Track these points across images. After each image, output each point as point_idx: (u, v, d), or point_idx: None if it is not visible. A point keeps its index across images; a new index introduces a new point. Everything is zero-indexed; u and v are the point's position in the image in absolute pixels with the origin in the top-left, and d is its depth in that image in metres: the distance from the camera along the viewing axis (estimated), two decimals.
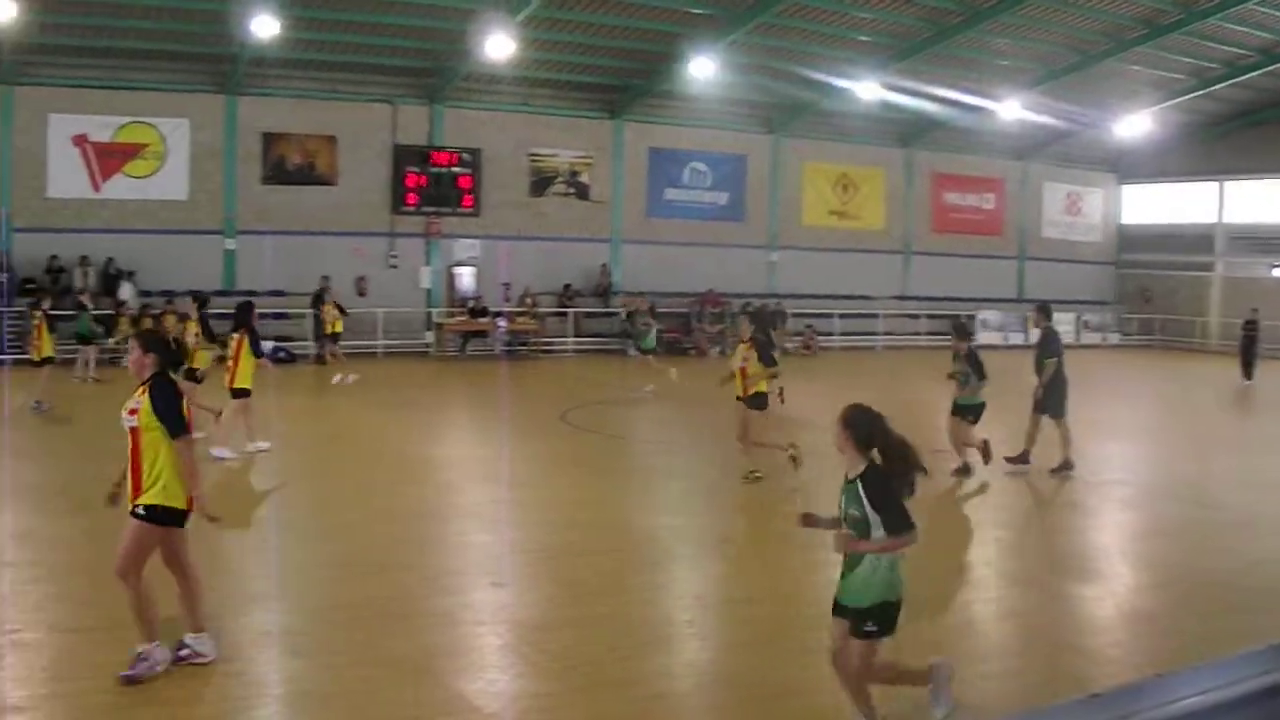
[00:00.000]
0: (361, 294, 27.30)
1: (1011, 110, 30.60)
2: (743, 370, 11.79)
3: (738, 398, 11.90)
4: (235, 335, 13.50)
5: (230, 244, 26.99)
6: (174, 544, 6.24)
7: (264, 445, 13.23)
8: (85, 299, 22.49)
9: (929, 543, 5.83)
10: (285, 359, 25.67)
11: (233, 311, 14.38)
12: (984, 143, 34.98)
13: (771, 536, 10.07)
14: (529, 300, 28.28)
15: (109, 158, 26.49)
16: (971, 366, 12.52)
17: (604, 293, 29.63)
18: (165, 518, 6.08)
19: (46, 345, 17.45)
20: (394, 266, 28.27)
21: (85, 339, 21.39)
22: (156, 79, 26.46)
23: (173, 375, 6.40)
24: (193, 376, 13.74)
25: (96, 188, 26.41)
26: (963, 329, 13.43)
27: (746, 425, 11.81)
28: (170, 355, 6.49)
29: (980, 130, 33.47)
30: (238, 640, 6.74)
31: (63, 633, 6.84)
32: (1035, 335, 14.67)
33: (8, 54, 24.75)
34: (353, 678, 6.18)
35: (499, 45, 24.24)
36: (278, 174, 27.39)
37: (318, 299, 25.63)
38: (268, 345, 25.47)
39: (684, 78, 27.48)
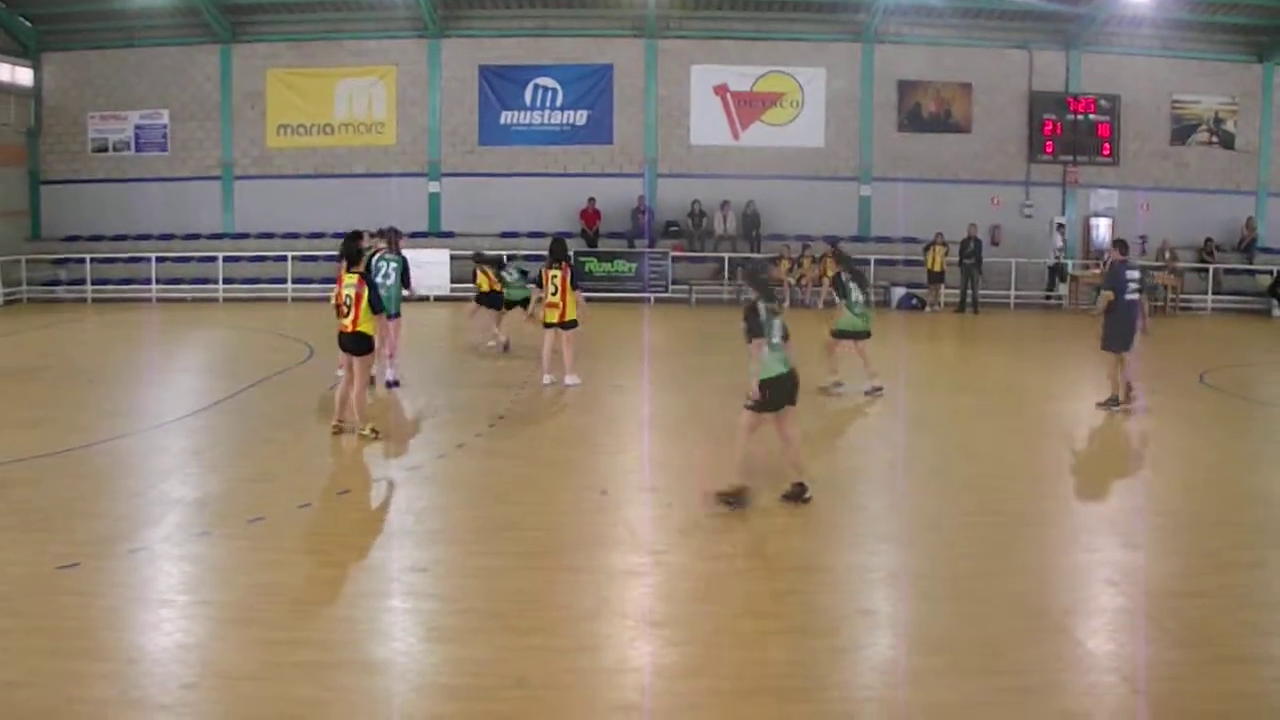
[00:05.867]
0: (995, 243, 26.92)
1: None
2: None
3: None
4: (557, 271, 13.51)
5: (865, 190, 27.50)
6: None
7: (574, 381, 13.51)
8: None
9: None
10: (915, 305, 25.90)
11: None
12: None
13: None
14: (1167, 254, 26.77)
15: (748, 107, 27.76)
16: None
17: (1247, 249, 27.49)
18: None
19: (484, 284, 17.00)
20: (1028, 216, 27.70)
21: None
22: (794, 29, 27.44)
23: None
24: None
25: (736, 135, 27.80)
26: None
27: None
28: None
29: None
30: (866, 579, 7.11)
31: (705, 559, 7.33)
32: None
33: (655, 10, 26.38)
34: (990, 627, 6.22)
35: None
36: (913, 122, 27.59)
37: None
38: (900, 291, 25.85)
39: None
